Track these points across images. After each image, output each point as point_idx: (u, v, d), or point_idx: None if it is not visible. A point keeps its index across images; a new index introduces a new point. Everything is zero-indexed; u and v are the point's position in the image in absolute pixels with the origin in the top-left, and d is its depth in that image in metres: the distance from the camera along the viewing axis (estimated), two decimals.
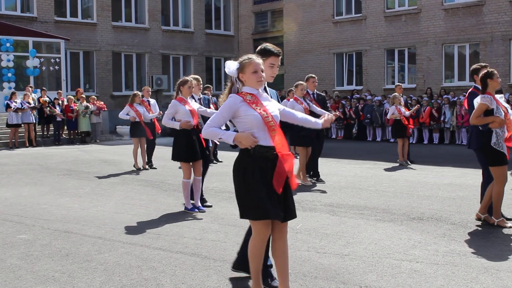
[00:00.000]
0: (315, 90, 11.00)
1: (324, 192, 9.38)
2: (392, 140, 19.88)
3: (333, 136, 23.19)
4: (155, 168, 12.82)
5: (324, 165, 13.34)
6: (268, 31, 29.50)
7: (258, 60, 4.15)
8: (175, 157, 7.87)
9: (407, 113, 13.72)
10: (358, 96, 23.27)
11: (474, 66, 7.36)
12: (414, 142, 20.08)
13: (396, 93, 13.80)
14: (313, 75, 11.13)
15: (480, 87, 6.76)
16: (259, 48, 4.62)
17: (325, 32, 26.52)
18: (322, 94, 11.61)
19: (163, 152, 14.65)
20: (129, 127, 13.37)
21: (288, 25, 27.96)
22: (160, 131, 13.28)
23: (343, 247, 5.84)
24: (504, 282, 4.71)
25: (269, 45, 4.58)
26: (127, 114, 12.59)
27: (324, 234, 6.39)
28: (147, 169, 12.67)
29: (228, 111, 4.04)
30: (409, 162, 13.17)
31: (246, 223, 6.96)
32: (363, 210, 7.82)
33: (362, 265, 5.20)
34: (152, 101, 13.34)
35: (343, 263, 5.25)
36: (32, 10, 24.64)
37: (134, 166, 12.69)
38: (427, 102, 20.14)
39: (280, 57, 4.57)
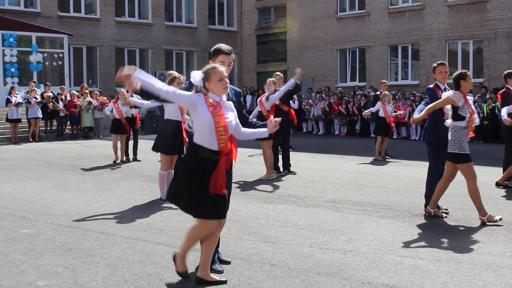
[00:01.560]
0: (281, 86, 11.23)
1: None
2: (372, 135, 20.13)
3: (336, 133, 23.16)
4: (139, 161, 13.33)
5: (327, 161, 13.35)
6: (271, 27, 29.46)
7: (222, 68, 4.42)
8: (156, 148, 8.17)
9: (393, 114, 13.89)
10: (361, 92, 23.22)
11: (434, 65, 7.58)
12: (417, 138, 20.06)
13: (386, 92, 13.95)
14: (277, 73, 11.40)
15: (439, 84, 7.32)
16: (212, 48, 4.92)
17: (328, 28, 26.47)
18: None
19: None
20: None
21: (291, 21, 27.92)
22: (137, 126, 13.79)
23: (345, 243, 5.84)
24: (507, 279, 4.71)
25: (221, 45, 4.88)
26: (111, 111, 13.19)
27: (326, 230, 6.39)
28: (128, 162, 13.23)
29: (190, 97, 4.34)
30: (386, 157, 13.66)
31: (248, 218, 6.97)
32: (365, 206, 7.82)
33: (364, 261, 5.20)
34: (136, 97, 13.55)
35: (346, 259, 5.25)
36: (35, 5, 24.65)
37: (114, 161, 13.14)
38: None
39: (231, 55, 4.85)
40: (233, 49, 4.93)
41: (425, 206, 7.35)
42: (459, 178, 7.52)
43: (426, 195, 7.44)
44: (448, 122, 6.87)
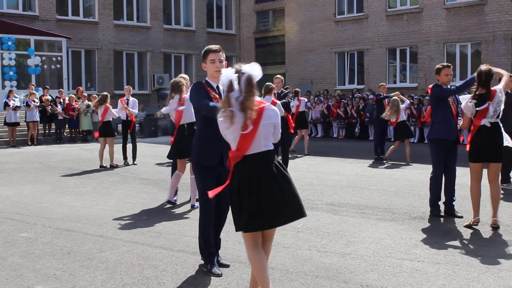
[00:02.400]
0: (282, 89, 11.40)
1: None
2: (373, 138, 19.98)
3: (335, 135, 23.17)
4: (135, 164, 13.35)
5: (326, 164, 13.35)
6: (270, 30, 29.49)
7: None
8: (170, 156, 8.34)
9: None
10: (359, 95, 23.24)
11: (438, 66, 7.55)
12: (415, 141, 20.07)
13: (395, 98, 13.76)
14: (278, 76, 11.60)
15: (442, 86, 7.27)
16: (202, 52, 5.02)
17: (326, 31, 26.49)
18: (286, 91, 11.64)
19: (163, 151, 14.63)
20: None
21: (289, 24, 27.94)
22: (131, 130, 13.63)
23: (344, 246, 5.84)
24: (506, 281, 4.71)
25: (209, 45, 4.93)
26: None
27: (325, 233, 6.39)
28: (127, 165, 13.23)
29: None
30: (386, 160, 13.74)
31: None
32: (364, 209, 7.81)
33: (363, 264, 5.20)
34: (132, 99, 13.62)
35: (345, 262, 5.25)
36: (33, 8, 24.65)
37: (100, 166, 12.92)
38: (428, 101, 20.12)
39: (219, 53, 4.83)
40: (221, 48, 4.92)
41: (431, 207, 7.35)
42: (457, 180, 7.52)
43: (430, 199, 7.43)
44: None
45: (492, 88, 6.62)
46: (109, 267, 5.16)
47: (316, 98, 24.16)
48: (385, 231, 6.52)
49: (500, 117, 6.64)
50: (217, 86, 4.88)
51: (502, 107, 6.65)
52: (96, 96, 21.79)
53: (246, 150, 3.89)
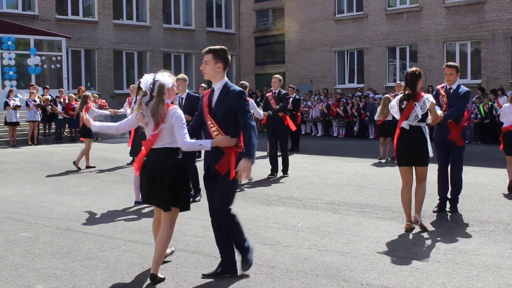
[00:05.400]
0: (279, 88, 11.14)
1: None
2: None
3: (335, 134, 23.17)
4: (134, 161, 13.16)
5: (326, 163, 13.35)
6: (269, 29, 29.48)
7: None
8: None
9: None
10: (359, 94, 23.23)
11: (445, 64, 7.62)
12: None
13: (387, 95, 13.69)
14: (276, 75, 11.36)
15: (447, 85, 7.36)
16: None
17: (326, 30, 26.50)
18: (284, 91, 11.50)
19: None
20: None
21: (289, 23, 27.94)
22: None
23: (344, 245, 5.84)
24: (506, 280, 4.72)
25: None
26: None
27: (325, 232, 6.40)
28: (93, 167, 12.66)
29: None
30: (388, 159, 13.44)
31: (247, 220, 6.96)
32: (364, 208, 7.82)
33: (363, 263, 5.20)
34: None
35: (345, 261, 5.25)
36: (33, 8, 24.65)
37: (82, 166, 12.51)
38: None
39: (208, 54, 4.75)
40: (212, 49, 4.77)
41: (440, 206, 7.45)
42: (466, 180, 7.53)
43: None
44: None
45: (421, 92, 6.54)
46: (109, 266, 5.17)
47: (316, 97, 24.16)
48: (385, 230, 6.52)
49: (426, 122, 6.48)
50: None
51: (429, 116, 6.49)
52: (96, 95, 21.90)
53: (153, 144, 4.67)
